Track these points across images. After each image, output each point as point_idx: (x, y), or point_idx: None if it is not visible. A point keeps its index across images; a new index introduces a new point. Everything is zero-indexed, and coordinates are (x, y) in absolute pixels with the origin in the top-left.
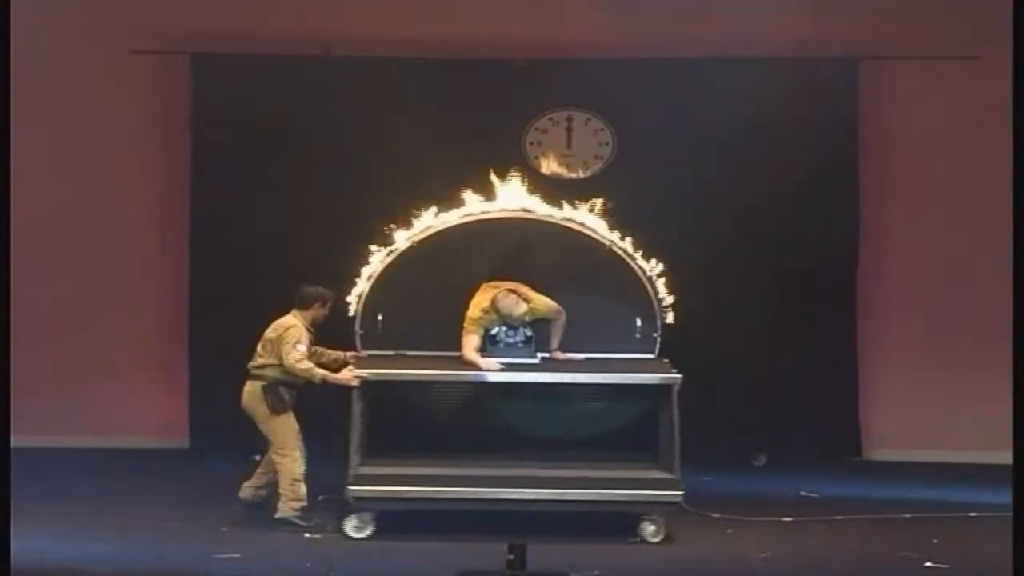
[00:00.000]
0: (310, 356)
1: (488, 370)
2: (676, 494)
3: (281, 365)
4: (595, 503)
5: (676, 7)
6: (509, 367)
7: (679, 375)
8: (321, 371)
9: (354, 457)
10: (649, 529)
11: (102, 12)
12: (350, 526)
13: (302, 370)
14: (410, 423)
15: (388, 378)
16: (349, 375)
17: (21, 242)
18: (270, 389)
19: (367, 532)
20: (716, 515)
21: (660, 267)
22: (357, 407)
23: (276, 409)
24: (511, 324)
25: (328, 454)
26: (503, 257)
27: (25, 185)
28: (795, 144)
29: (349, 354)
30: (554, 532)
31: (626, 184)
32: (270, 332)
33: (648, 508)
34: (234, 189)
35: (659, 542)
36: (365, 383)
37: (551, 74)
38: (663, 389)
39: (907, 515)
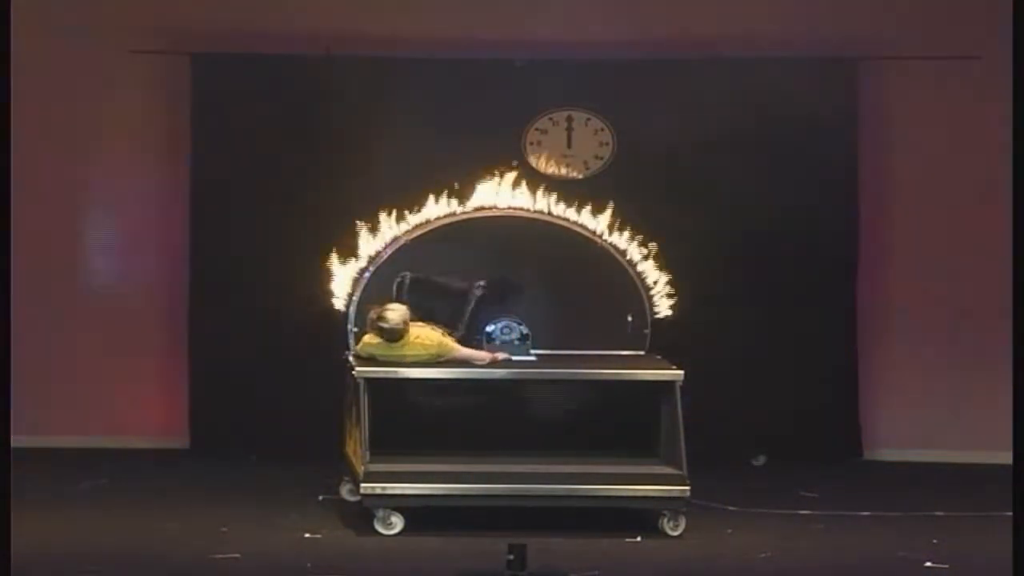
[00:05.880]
0: None
1: (487, 360)
2: (684, 489)
3: None
4: (602, 499)
5: (676, 7)
6: (508, 363)
7: (681, 371)
8: None
9: (364, 454)
10: (668, 524)
11: (102, 12)
12: (380, 524)
13: None
14: (412, 420)
15: (394, 376)
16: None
17: (20, 242)
18: None
19: (397, 529)
20: (732, 508)
21: (651, 260)
22: (364, 404)
23: None
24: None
25: (327, 453)
26: (495, 254)
27: (24, 185)
28: (795, 143)
29: None
30: (553, 530)
31: (626, 184)
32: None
33: (655, 504)
34: (234, 189)
35: (665, 539)
36: (370, 380)
37: (551, 74)
38: (665, 386)
39: (907, 515)
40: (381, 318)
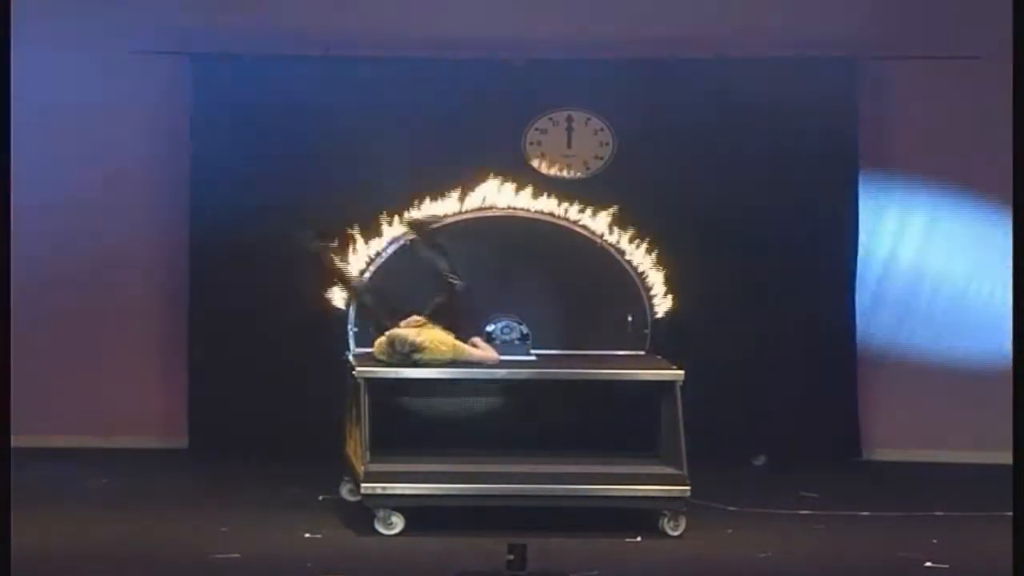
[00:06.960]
0: None
1: (496, 361)
2: (684, 489)
3: None
4: (602, 499)
5: (676, 6)
6: (508, 363)
7: (681, 371)
8: None
9: (364, 454)
10: (668, 524)
11: (102, 12)
12: (380, 524)
13: None
14: (412, 420)
15: (396, 376)
16: None
17: (21, 242)
18: None
19: (397, 529)
20: (732, 508)
21: (651, 261)
22: (364, 404)
23: None
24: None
25: (327, 453)
26: (495, 254)
27: (25, 186)
28: (795, 144)
29: None
30: (553, 530)
31: (626, 184)
32: None
33: (655, 504)
34: (234, 189)
35: (665, 539)
36: (370, 380)
37: (551, 74)
38: (666, 386)
39: (907, 515)
40: (400, 351)
